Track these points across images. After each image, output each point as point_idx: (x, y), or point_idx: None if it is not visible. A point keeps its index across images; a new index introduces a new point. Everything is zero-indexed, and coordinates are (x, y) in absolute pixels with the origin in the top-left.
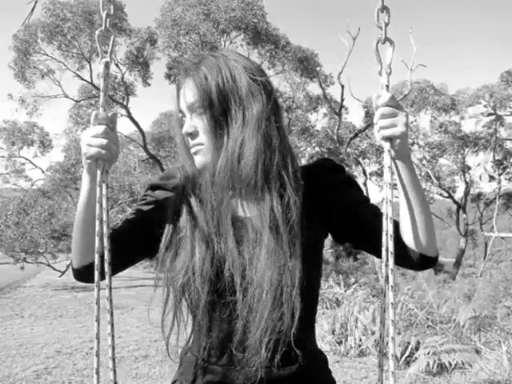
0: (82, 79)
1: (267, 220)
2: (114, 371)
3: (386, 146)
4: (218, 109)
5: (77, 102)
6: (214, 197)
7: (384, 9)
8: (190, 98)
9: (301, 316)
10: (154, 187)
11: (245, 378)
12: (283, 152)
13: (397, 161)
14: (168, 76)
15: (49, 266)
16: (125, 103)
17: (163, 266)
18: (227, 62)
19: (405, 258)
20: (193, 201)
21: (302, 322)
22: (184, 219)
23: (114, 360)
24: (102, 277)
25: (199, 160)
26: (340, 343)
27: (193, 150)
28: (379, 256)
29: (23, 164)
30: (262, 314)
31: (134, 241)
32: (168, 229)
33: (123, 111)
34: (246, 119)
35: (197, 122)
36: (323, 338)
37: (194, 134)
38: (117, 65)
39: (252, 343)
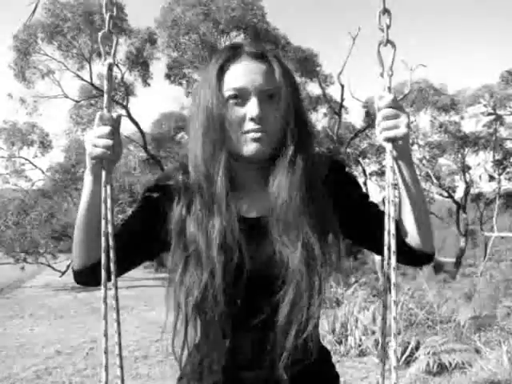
0: (82, 79)
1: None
2: (121, 368)
3: (388, 146)
4: (291, 104)
5: (77, 102)
6: (222, 200)
7: (386, 11)
8: (267, 82)
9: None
10: (153, 188)
11: (255, 378)
12: (312, 142)
13: (398, 161)
14: (168, 76)
15: (49, 266)
16: (125, 103)
17: (172, 282)
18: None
19: (403, 254)
20: (196, 201)
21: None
22: (192, 231)
23: (121, 357)
24: (109, 277)
25: (258, 148)
26: (340, 343)
27: (254, 136)
28: (378, 253)
29: (23, 164)
30: (287, 318)
31: (134, 242)
32: (170, 232)
33: (123, 111)
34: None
35: (268, 108)
36: (323, 338)
37: (263, 119)
38: (117, 65)
39: (276, 349)
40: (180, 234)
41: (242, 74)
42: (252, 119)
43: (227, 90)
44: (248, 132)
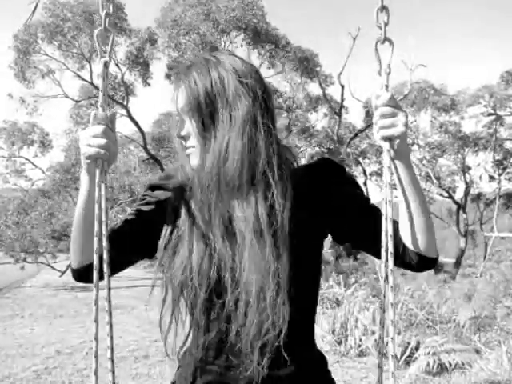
0: (82, 79)
1: (250, 224)
2: (113, 372)
3: (386, 146)
4: (206, 112)
5: (77, 102)
6: (205, 197)
7: (383, 8)
8: (180, 101)
9: (293, 318)
10: (153, 187)
11: (242, 379)
12: (269, 155)
13: (396, 161)
14: (168, 76)
15: (49, 265)
16: (125, 103)
17: (161, 264)
18: (217, 65)
19: (405, 260)
20: (191, 201)
21: (296, 325)
22: (183, 219)
23: (112, 361)
24: (101, 277)
25: (192, 162)
26: (340, 343)
27: (186, 152)
28: (379, 257)
29: (23, 164)
30: (251, 317)
31: (133, 241)
32: (166, 228)
33: (123, 111)
34: (232, 122)
35: (189, 125)
36: (323, 338)
37: (186, 137)
38: (117, 65)
39: (244, 346)
40: (173, 222)
41: (175, 96)
42: (180, 138)
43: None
44: (184, 149)
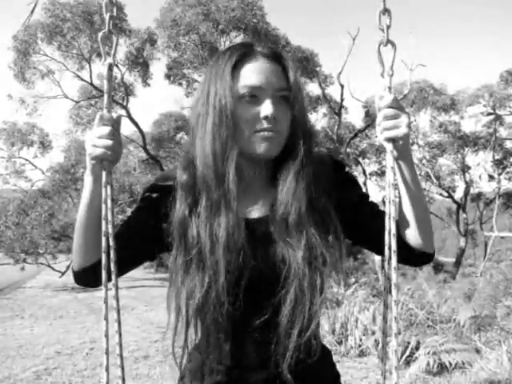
0: (82, 80)
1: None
2: (122, 368)
3: (389, 146)
4: (303, 107)
5: (76, 102)
6: (233, 197)
7: (386, 11)
8: (281, 83)
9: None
10: (152, 189)
11: (259, 378)
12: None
13: (399, 161)
14: (168, 76)
15: (49, 266)
16: (125, 103)
17: (173, 284)
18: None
19: (404, 254)
20: (205, 204)
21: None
22: (195, 231)
23: (121, 357)
24: (109, 277)
25: (268, 147)
26: (340, 343)
27: (266, 135)
28: (379, 254)
29: (23, 165)
30: (289, 318)
31: (133, 244)
32: (176, 242)
33: (123, 111)
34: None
35: (281, 109)
36: (323, 338)
37: (276, 119)
38: (117, 65)
39: (279, 349)
40: (182, 234)
41: (258, 72)
42: (266, 118)
43: (241, 88)
44: (260, 131)
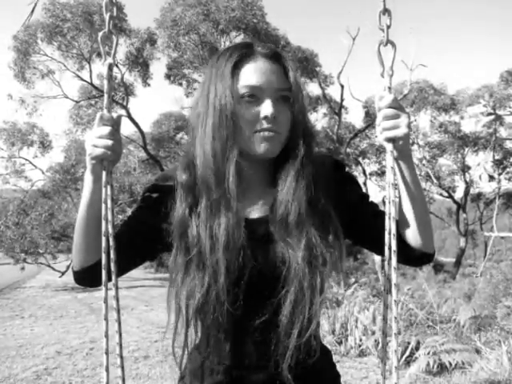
0: (82, 79)
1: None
2: (122, 368)
3: (389, 147)
4: (303, 107)
5: (76, 102)
6: (233, 197)
7: (386, 11)
8: (282, 83)
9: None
10: (151, 189)
11: (258, 378)
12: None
13: (399, 161)
14: (168, 76)
15: (49, 266)
16: (125, 103)
17: (173, 284)
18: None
19: (404, 254)
20: (205, 204)
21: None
22: (195, 230)
23: (121, 357)
24: (109, 277)
25: (269, 147)
26: (340, 343)
27: (267, 135)
28: (379, 253)
29: (23, 165)
30: (289, 318)
31: (133, 244)
32: (176, 242)
33: (123, 111)
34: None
35: (281, 109)
36: (323, 338)
37: (276, 119)
38: (117, 65)
39: (279, 349)
40: (182, 234)
41: (258, 72)
42: (265, 118)
43: (242, 88)
44: (260, 131)
